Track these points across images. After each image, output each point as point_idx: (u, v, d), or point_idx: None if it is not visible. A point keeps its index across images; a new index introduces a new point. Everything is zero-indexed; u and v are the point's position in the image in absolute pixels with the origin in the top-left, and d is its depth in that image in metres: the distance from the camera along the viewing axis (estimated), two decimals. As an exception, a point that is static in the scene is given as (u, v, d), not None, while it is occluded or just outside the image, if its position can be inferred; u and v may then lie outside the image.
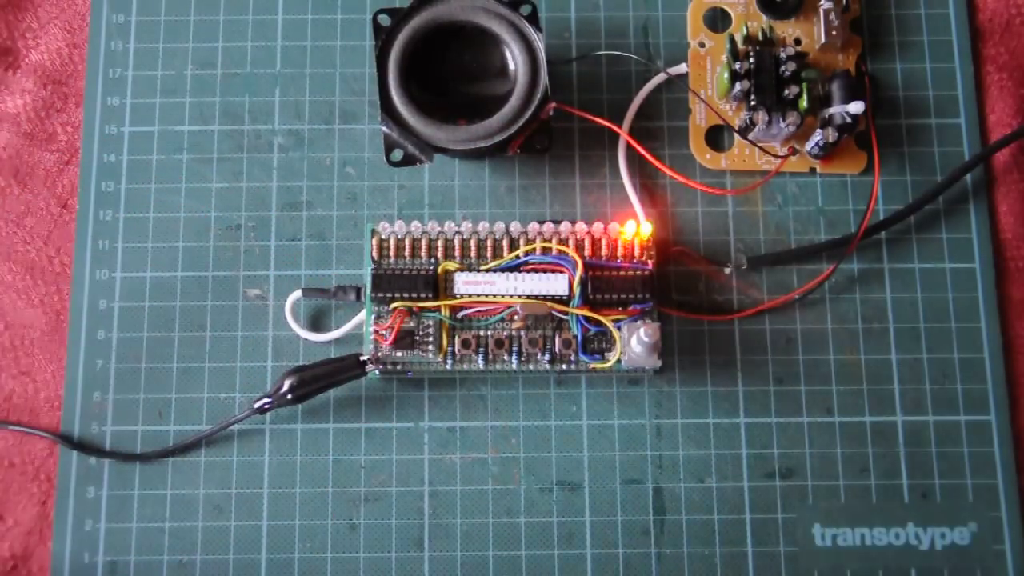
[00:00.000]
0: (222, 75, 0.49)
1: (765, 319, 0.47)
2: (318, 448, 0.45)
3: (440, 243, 0.45)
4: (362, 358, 0.43)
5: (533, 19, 0.45)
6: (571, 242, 0.45)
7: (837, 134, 0.46)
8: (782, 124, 0.46)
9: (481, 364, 0.44)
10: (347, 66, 0.49)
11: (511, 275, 0.44)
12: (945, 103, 0.49)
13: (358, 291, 0.46)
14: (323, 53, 0.50)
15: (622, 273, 0.44)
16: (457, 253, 0.45)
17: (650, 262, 0.45)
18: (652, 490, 0.45)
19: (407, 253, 0.45)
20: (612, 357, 0.43)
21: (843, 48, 0.49)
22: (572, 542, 0.45)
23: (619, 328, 0.43)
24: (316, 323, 0.47)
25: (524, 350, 0.44)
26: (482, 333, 0.44)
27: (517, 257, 0.44)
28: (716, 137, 0.49)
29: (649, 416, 0.46)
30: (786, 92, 0.46)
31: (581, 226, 0.45)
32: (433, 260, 0.45)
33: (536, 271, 0.44)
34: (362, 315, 0.45)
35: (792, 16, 0.49)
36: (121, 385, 0.46)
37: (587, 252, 0.45)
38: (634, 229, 0.45)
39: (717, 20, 0.50)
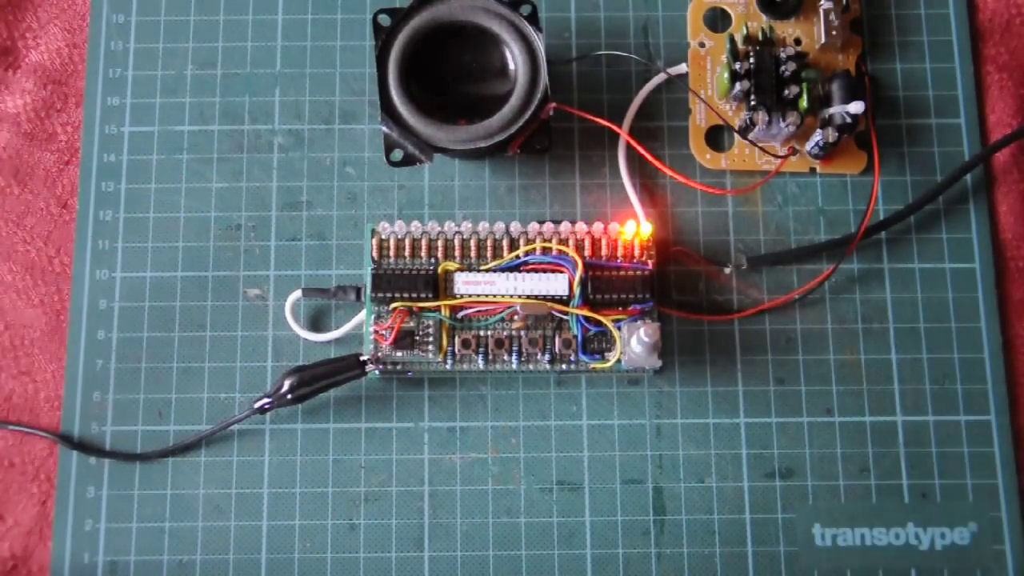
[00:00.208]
0: (222, 75, 0.49)
1: (765, 319, 0.47)
2: (318, 448, 0.45)
3: (440, 243, 0.45)
4: (362, 358, 0.43)
5: (533, 19, 0.45)
6: (571, 242, 0.45)
7: (837, 134, 0.46)
8: (782, 124, 0.46)
9: (481, 364, 0.44)
10: (347, 66, 0.49)
11: (511, 275, 0.44)
12: (945, 103, 0.49)
13: (358, 291, 0.45)
14: (323, 53, 0.50)
15: (622, 273, 0.44)
16: (457, 253, 0.45)
17: (650, 262, 0.45)
18: (652, 490, 0.45)
19: (407, 253, 0.45)
20: (612, 357, 0.43)
21: (843, 48, 0.49)
22: (572, 542, 0.45)
23: (619, 328, 0.43)
24: (316, 323, 0.47)
25: (524, 350, 0.44)
26: (482, 333, 0.44)
27: (517, 257, 0.44)
28: (716, 137, 0.49)
29: (649, 416, 0.46)
30: (786, 92, 0.46)
31: (581, 226, 0.45)
32: (433, 260, 0.45)
33: (536, 271, 0.44)
34: (362, 315, 0.45)
35: (792, 16, 0.49)
36: (121, 385, 0.46)
37: (587, 252, 0.45)
38: (634, 229, 0.45)
39: (717, 20, 0.50)
